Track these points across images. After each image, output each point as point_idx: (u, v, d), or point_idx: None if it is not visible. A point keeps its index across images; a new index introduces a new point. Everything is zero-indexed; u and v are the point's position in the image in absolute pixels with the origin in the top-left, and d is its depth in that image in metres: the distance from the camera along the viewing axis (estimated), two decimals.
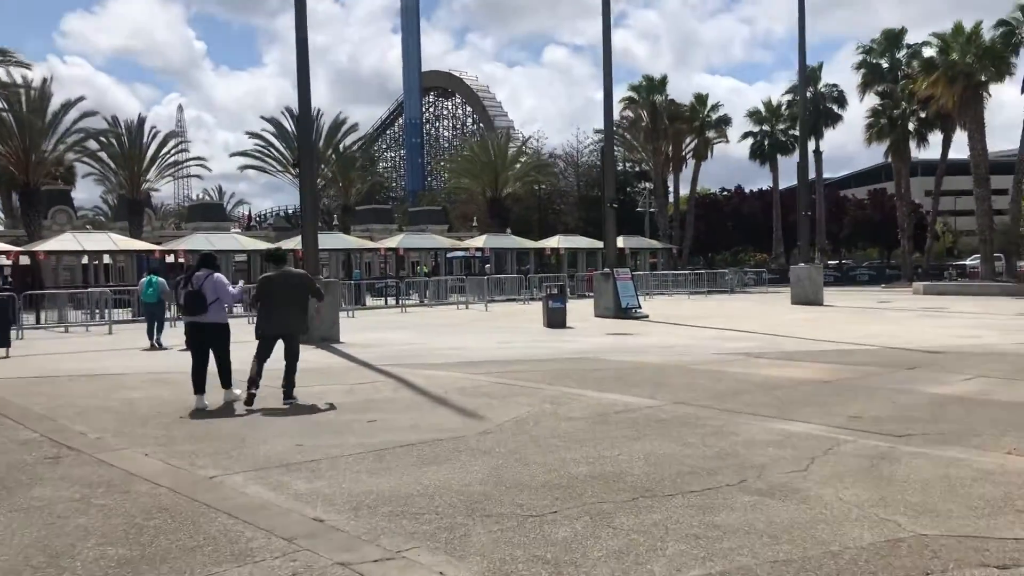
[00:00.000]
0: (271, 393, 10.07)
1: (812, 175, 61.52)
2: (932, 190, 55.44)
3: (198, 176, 58.65)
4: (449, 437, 7.97)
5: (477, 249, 41.10)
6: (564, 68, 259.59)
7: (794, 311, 26.70)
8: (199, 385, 9.76)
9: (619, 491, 5.98)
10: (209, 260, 10.25)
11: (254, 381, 9.77)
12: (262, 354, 9.99)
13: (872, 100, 48.00)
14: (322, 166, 50.67)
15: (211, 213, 58.94)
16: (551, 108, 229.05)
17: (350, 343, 18.16)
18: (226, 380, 10.01)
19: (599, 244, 34.05)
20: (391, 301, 32.77)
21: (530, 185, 58.88)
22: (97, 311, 25.38)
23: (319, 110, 48.96)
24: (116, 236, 36.58)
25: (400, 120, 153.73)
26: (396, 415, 9.29)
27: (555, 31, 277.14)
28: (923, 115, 46.13)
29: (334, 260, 39.12)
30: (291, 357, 10.00)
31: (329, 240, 34.58)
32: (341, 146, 51.72)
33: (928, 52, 44.57)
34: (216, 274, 9.94)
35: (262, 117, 50.20)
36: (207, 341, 9.88)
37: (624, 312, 24.27)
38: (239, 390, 10.00)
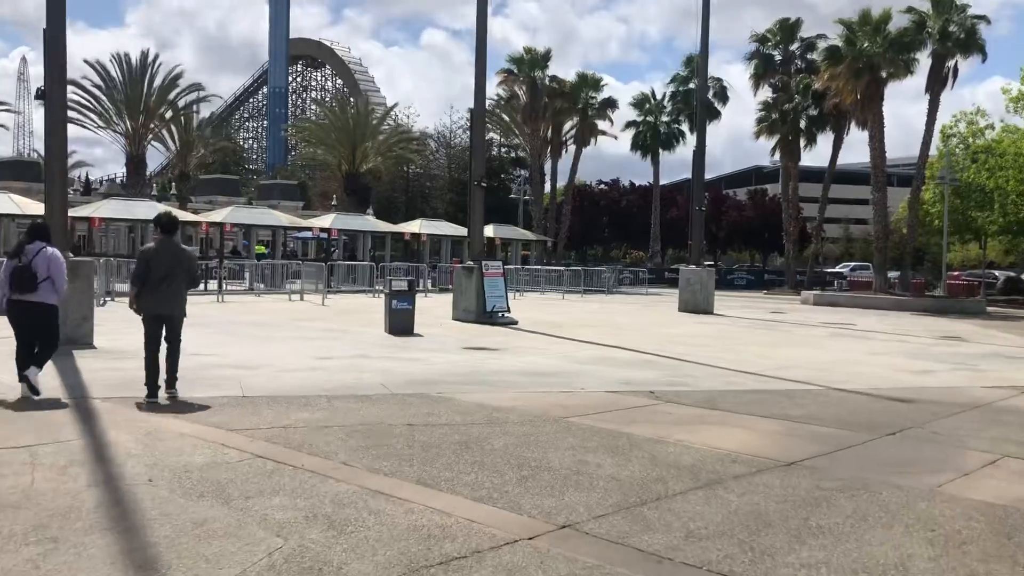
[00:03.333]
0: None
1: (690, 173, 59.21)
2: (808, 196, 53.93)
3: (3, 126, 50.12)
4: None
5: (323, 230, 35.67)
6: (442, 52, 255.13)
7: (686, 321, 22.95)
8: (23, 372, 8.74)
9: None
10: (41, 231, 9.12)
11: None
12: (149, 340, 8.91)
13: (764, 94, 45.42)
14: (153, 124, 44.07)
15: (23, 172, 51.03)
16: (428, 92, 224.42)
17: (104, 349, 12.95)
18: (39, 360, 8.84)
19: (466, 232, 29.53)
20: (213, 286, 27.15)
21: (394, 161, 53.51)
22: None
23: (157, 56, 42.32)
24: None
25: (264, 89, 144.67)
26: None
27: (434, 14, 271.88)
28: (814, 112, 43.71)
29: (142, 233, 32.48)
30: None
31: (133, 208, 28.61)
32: (179, 103, 45.02)
33: (821, 46, 42.32)
34: (50, 248, 8.92)
35: (84, 61, 42.72)
36: (31, 322, 8.82)
37: (489, 316, 19.82)
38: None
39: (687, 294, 26.68)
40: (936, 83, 33.98)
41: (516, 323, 19.66)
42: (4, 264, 9.15)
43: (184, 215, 32.10)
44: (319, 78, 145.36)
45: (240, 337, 15.68)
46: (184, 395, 9.18)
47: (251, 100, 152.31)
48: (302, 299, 26.35)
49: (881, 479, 6.67)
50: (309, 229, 37.27)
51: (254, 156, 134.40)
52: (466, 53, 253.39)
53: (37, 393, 8.64)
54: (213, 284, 27.33)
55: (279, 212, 37.11)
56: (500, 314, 20.10)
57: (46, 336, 8.94)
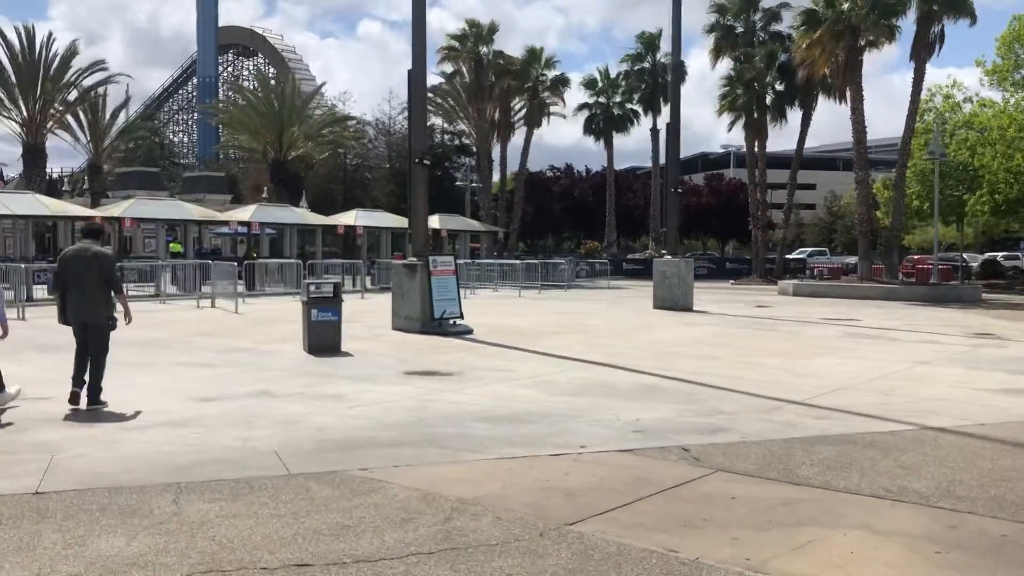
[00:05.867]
0: None
1: (646, 157, 56.02)
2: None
3: None
4: None
5: (241, 223, 31.49)
6: (379, 43, 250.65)
7: (669, 322, 19.56)
8: None
9: None
10: None
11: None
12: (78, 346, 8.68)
13: (723, 68, 42.32)
14: (53, 109, 39.34)
15: None
16: (366, 83, 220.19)
17: None
18: None
19: (407, 223, 25.71)
20: None
21: (329, 147, 49.17)
22: None
23: (50, 34, 37.54)
24: None
25: (195, 80, 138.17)
26: None
27: (370, 5, 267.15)
28: (781, 87, 40.73)
29: (24, 231, 27.51)
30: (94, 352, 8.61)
31: (10, 202, 24.24)
32: (82, 84, 40.24)
33: (786, 15, 39.67)
34: None
35: None
36: None
37: (438, 324, 16.16)
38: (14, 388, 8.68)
39: (663, 289, 23.32)
40: (922, 48, 31.06)
41: (471, 332, 16.04)
42: None
43: (77, 209, 27.87)
44: (251, 68, 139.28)
45: (110, 363, 11.77)
46: None
47: (180, 92, 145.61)
48: (213, 306, 22.34)
49: None
50: (226, 223, 33.07)
51: (184, 150, 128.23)
52: (403, 44, 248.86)
53: None
54: None
55: (191, 205, 32.72)
56: (452, 321, 16.46)
57: None
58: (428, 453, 6.90)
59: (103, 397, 8.56)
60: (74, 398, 8.47)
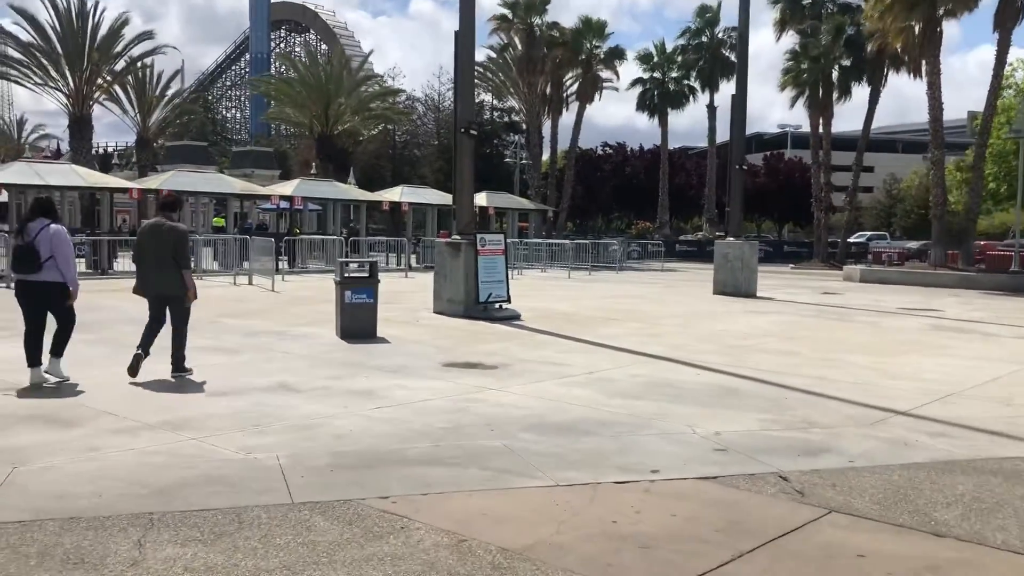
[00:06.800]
0: None
1: (698, 137, 54.10)
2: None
3: None
4: None
5: (283, 198, 30.57)
6: (431, 22, 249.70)
7: (733, 309, 18.06)
8: (32, 356, 8.12)
9: None
10: (46, 207, 8.38)
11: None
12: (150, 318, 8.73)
13: (788, 42, 40.16)
14: (101, 79, 38.77)
15: None
16: (417, 61, 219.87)
17: None
18: (57, 349, 8.22)
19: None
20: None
21: (375, 121, 48.07)
22: None
23: (97, 2, 36.86)
24: None
25: (247, 56, 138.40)
26: None
27: None
28: (847, 63, 38.52)
29: (62, 203, 27.14)
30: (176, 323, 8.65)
31: (45, 173, 23.55)
32: (129, 54, 39.59)
33: None
34: (54, 225, 8.14)
35: (11, 6, 36.88)
36: (40, 304, 8.16)
37: (483, 308, 14.91)
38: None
39: (724, 273, 21.81)
40: (1008, 17, 28.66)
41: (518, 317, 14.78)
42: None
43: (113, 181, 27.15)
44: (303, 44, 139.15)
45: (123, 347, 10.74)
46: None
47: (233, 68, 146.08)
48: (251, 283, 21.37)
49: None
50: (268, 197, 32.23)
51: (236, 126, 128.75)
52: (454, 22, 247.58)
53: (64, 378, 8.19)
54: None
55: (231, 178, 31.85)
56: (498, 305, 15.20)
57: (57, 317, 8.27)
58: (465, 475, 5.65)
59: (187, 365, 8.66)
60: (135, 362, 8.35)
